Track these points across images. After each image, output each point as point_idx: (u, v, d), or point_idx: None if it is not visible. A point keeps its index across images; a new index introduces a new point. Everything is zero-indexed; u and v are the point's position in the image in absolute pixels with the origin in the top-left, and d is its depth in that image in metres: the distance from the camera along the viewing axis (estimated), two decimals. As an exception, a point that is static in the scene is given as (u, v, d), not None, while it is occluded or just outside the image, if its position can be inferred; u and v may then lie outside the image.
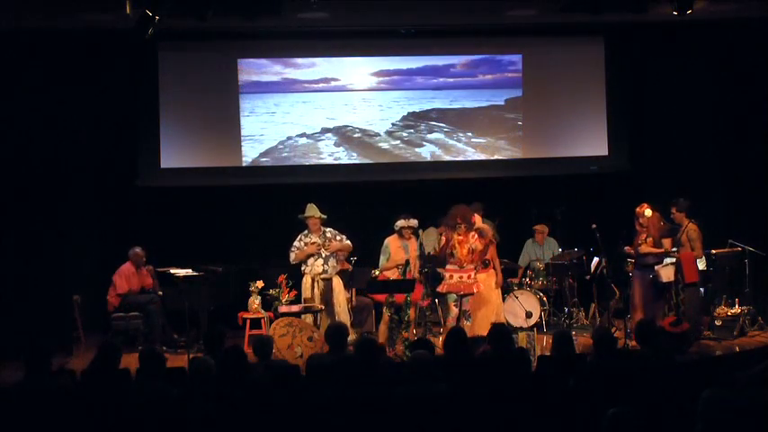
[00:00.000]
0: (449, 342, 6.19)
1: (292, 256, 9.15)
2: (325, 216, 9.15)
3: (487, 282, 8.97)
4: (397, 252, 9.19)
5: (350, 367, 5.58)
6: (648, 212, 9.07)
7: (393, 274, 9.15)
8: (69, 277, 9.77)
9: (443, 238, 8.97)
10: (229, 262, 10.06)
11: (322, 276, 9.10)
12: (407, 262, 9.18)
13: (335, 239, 9.17)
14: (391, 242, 9.27)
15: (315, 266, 9.09)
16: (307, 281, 9.12)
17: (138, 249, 9.64)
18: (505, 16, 10.10)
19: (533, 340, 8.18)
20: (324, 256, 9.10)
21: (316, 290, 9.05)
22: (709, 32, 10.55)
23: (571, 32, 11.09)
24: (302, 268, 9.15)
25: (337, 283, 9.18)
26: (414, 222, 9.22)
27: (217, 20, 8.74)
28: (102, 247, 10.33)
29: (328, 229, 9.20)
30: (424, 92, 11.19)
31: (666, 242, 9.07)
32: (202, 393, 5.20)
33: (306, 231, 9.17)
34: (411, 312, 8.74)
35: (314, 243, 9.09)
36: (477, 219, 9.05)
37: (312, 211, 9.13)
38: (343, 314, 9.07)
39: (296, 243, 9.18)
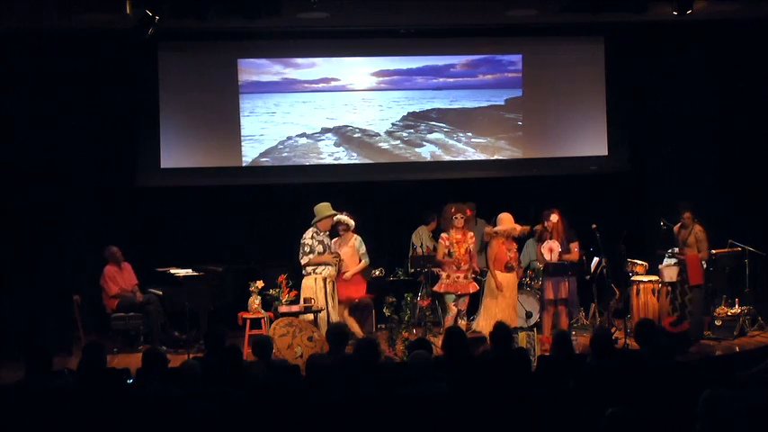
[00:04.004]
0: (447, 342, 6.19)
1: (306, 258, 8.89)
2: (336, 214, 9.10)
3: (513, 282, 9.07)
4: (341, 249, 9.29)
5: (350, 367, 5.59)
6: (555, 218, 9.15)
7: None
8: (69, 277, 9.76)
9: (445, 242, 8.99)
10: (229, 262, 10.05)
11: (332, 278, 9.02)
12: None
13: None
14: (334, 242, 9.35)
15: (329, 267, 8.98)
16: (318, 282, 8.91)
17: (113, 248, 9.71)
18: (505, 16, 10.10)
19: (533, 340, 8.19)
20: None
21: (327, 290, 8.93)
22: (709, 32, 10.55)
23: (571, 32, 11.09)
24: (311, 269, 8.95)
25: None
26: (341, 217, 9.23)
27: (217, 20, 8.74)
28: (102, 247, 10.30)
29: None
30: (424, 92, 11.19)
31: (574, 246, 9.18)
32: (197, 394, 5.21)
33: (315, 229, 8.97)
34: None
35: (335, 256, 8.99)
36: (506, 218, 9.09)
37: (329, 210, 8.99)
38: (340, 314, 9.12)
39: (308, 242, 8.92)
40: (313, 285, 8.89)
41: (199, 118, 10.78)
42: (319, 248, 8.94)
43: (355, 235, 9.35)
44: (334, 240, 9.25)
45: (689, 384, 5.28)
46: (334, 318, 8.88)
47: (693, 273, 8.99)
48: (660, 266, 9.47)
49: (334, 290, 9.04)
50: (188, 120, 10.75)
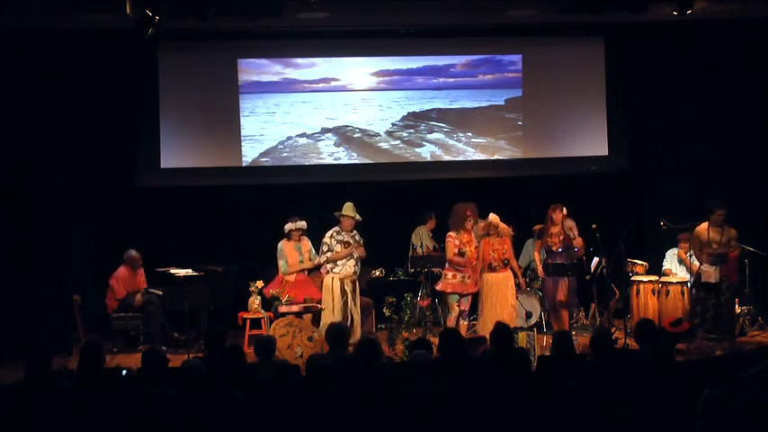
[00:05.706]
0: (443, 343, 6.19)
1: (325, 257, 8.94)
2: (360, 219, 9.09)
3: (506, 281, 9.02)
4: (292, 254, 9.28)
5: (350, 367, 5.59)
6: (565, 210, 9.22)
7: (292, 277, 9.26)
8: (69, 277, 9.76)
9: (454, 241, 8.95)
10: (229, 262, 10.05)
11: (352, 278, 9.04)
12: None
13: (360, 245, 9.14)
14: (285, 246, 9.36)
15: (347, 267, 8.97)
16: (335, 282, 8.92)
17: (133, 252, 9.65)
18: (505, 16, 10.10)
19: (533, 340, 8.19)
20: (355, 256, 9.07)
21: (347, 289, 8.93)
22: (709, 32, 10.55)
23: (571, 32, 11.09)
24: (328, 267, 8.98)
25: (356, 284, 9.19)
26: (302, 224, 9.30)
27: (217, 20, 8.74)
28: (102, 248, 10.33)
29: (355, 232, 9.14)
30: (424, 92, 11.19)
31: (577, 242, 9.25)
32: (198, 394, 5.21)
33: (338, 228, 9.03)
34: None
35: (348, 244, 8.97)
36: (495, 218, 9.10)
37: (352, 211, 9.02)
38: (357, 313, 9.12)
39: (327, 240, 8.95)
40: (329, 284, 8.92)
41: (199, 118, 10.78)
42: (338, 248, 8.92)
43: (306, 238, 9.43)
44: (283, 242, 9.35)
45: (689, 384, 5.28)
46: (357, 317, 8.93)
47: (734, 271, 8.99)
48: (705, 268, 9.14)
49: (355, 289, 9.03)
50: (188, 120, 10.76)
